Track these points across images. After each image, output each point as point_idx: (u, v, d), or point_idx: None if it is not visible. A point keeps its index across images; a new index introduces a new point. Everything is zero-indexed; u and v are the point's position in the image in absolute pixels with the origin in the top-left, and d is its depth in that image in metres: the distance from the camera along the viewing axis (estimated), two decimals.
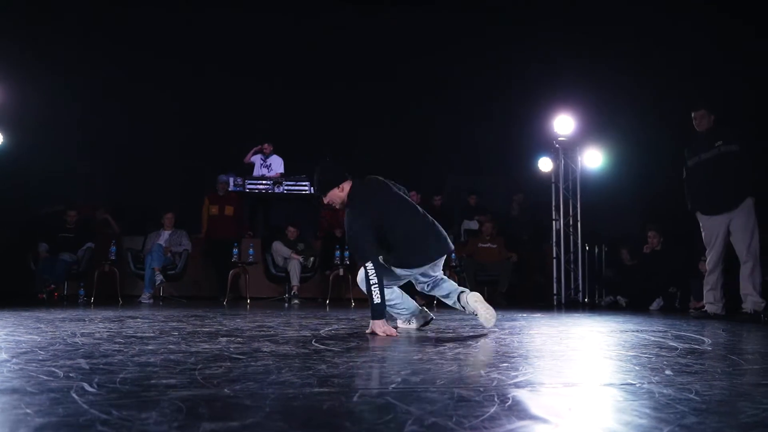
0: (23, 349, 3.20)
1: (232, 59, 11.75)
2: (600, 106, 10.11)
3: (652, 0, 10.16)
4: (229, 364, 2.78)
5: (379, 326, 4.03)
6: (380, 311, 4.05)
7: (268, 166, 10.94)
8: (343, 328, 4.70)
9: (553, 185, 10.34)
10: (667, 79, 9.84)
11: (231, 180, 10.29)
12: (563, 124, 9.98)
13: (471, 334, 4.35)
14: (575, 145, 10.19)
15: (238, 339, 3.80)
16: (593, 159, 10.07)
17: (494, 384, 2.38)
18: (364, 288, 4.12)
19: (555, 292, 10.01)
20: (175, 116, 11.34)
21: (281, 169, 11.00)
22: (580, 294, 10.08)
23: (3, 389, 2.20)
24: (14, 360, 2.83)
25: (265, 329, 4.51)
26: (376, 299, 4.01)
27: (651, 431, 1.68)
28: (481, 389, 2.28)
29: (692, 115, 6.57)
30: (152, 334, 4.02)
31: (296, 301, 8.84)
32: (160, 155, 11.46)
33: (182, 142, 11.44)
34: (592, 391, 2.37)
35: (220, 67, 11.68)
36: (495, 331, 4.54)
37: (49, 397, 2.01)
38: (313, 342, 3.69)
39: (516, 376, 2.56)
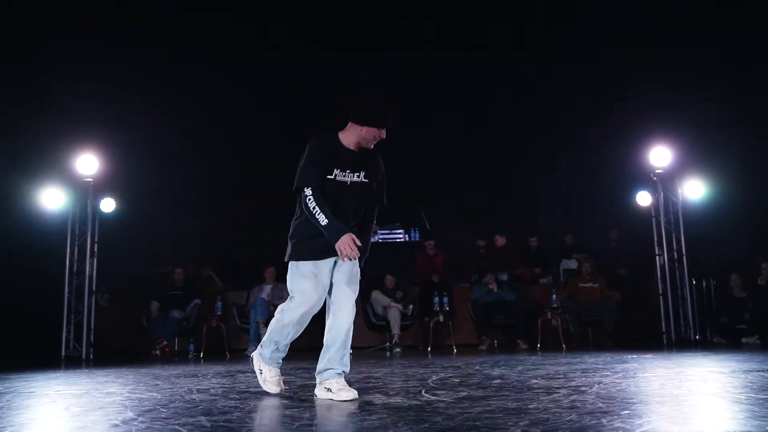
0: (146, 407, 3.31)
1: (325, 111, 11.89)
2: (697, 135, 9.69)
3: (745, 28, 9.76)
4: (345, 419, 2.78)
5: (344, 242, 3.57)
6: (335, 230, 3.59)
7: None
8: (449, 376, 4.63)
9: (653, 219, 9.94)
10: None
11: None
12: (660, 156, 9.62)
13: (583, 378, 4.19)
14: (674, 177, 9.79)
15: None
16: (694, 190, 9.64)
17: None
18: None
19: (664, 330, 9.55)
20: (271, 176, 11.60)
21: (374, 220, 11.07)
22: (691, 331, 9.58)
23: None
24: (140, 419, 2.92)
25: (372, 380, 4.49)
26: (323, 221, 3.60)
27: None
28: None
29: None
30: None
31: (398, 350, 8.80)
32: (259, 212, 11.76)
33: (280, 198, 11.66)
34: None
35: (315, 121, 11.86)
36: (608, 375, 4.36)
37: None
38: (423, 392, 3.65)
39: (641, 425, 2.44)
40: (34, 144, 8.66)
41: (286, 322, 3.82)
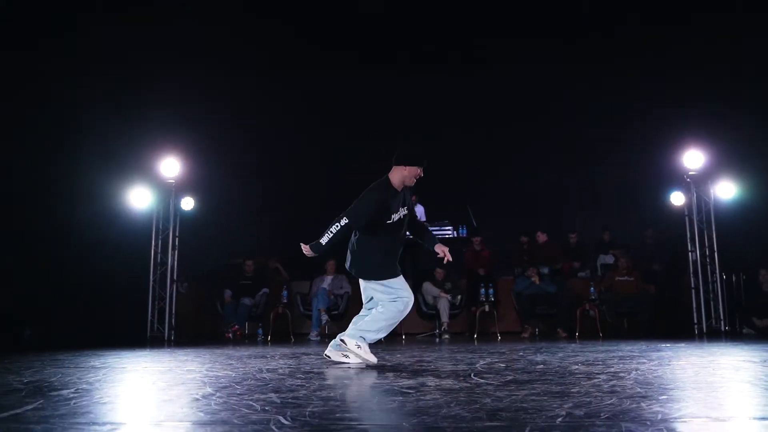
0: (223, 384, 3.36)
1: (382, 118, 11.81)
2: (729, 139, 9.35)
3: None
4: (401, 398, 2.76)
5: (306, 249, 4.21)
6: (317, 248, 4.16)
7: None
8: (495, 361, 4.58)
9: (686, 218, 9.67)
10: None
11: None
12: (693, 158, 9.36)
13: (621, 365, 4.09)
14: (706, 178, 9.50)
15: (404, 373, 3.79)
16: (726, 191, 9.33)
17: (659, 417, 2.21)
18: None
19: (696, 321, 9.29)
20: (332, 180, 11.62)
21: (424, 218, 11.04)
22: (721, 323, 9.28)
23: (215, 421, 2.31)
24: (218, 394, 2.97)
25: (425, 363, 4.47)
26: (323, 241, 4.12)
27: None
28: (648, 423, 2.12)
29: None
30: (326, 369, 4.09)
31: (446, 336, 8.76)
32: (321, 209, 11.80)
33: (339, 197, 11.70)
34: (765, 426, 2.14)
35: (374, 128, 11.75)
36: (644, 362, 4.25)
37: (253, 429, 2.08)
38: (472, 376, 3.62)
39: (679, 409, 2.37)
40: (124, 149, 8.86)
41: (384, 318, 4.23)
